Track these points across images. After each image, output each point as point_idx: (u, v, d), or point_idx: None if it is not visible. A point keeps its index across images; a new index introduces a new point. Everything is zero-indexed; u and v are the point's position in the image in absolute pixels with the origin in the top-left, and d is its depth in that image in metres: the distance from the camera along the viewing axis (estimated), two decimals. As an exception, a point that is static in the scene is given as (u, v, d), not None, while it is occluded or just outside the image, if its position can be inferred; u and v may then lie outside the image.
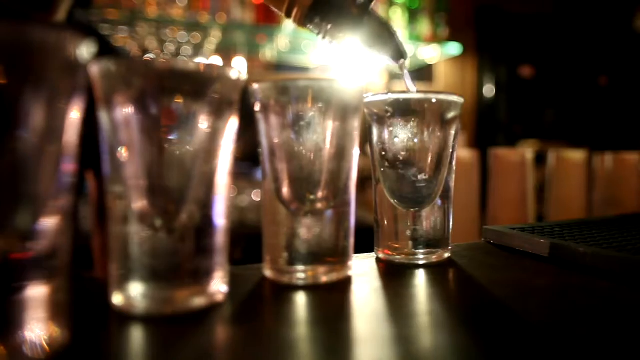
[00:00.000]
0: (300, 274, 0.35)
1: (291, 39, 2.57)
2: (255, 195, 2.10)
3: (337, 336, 0.27)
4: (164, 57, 2.38)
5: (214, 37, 2.46)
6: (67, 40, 0.24)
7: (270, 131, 0.35)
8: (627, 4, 3.49)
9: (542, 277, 0.39)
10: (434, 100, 0.40)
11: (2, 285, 0.21)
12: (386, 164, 0.42)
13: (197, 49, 2.50)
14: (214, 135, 0.31)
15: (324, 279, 0.35)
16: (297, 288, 0.34)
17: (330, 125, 0.35)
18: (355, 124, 0.37)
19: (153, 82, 0.29)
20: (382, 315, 0.30)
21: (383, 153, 0.42)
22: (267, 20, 2.50)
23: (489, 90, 3.34)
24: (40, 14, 0.98)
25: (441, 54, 2.88)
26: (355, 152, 0.37)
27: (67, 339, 0.24)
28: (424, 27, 2.79)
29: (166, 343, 0.26)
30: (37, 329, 0.22)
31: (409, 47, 2.76)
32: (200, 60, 2.42)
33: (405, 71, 0.49)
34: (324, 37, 0.48)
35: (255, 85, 0.36)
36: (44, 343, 0.23)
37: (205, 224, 0.31)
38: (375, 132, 0.42)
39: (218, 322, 0.29)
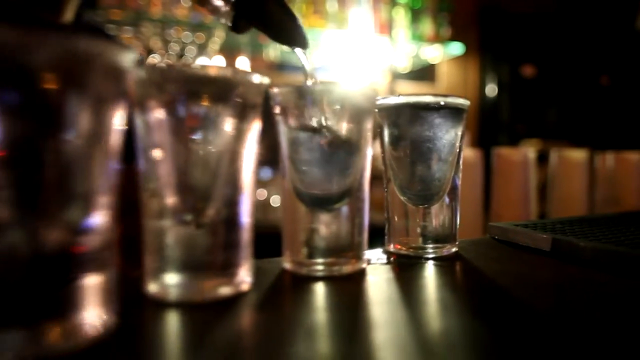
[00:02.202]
0: (319, 266, 0.37)
1: (295, 39, 2.60)
2: (260, 195, 2.12)
3: (354, 321, 0.30)
4: (170, 59, 2.41)
5: (218, 37, 2.49)
6: (114, 50, 0.26)
7: (288, 132, 0.38)
8: (629, 4, 3.51)
9: (544, 269, 0.42)
10: (442, 103, 0.43)
11: (61, 276, 0.24)
12: (397, 163, 0.44)
13: (201, 49, 2.53)
14: (238, 137, 0.33)
15: (341, 270, 0.38)
16: (316, 279, 0.37)
17: (345, 127, 0.38)
18: (368, 126, 0.39)
19: (183, 87, 0.31)
20: (396, 302, 0.33)
21: (394, 153, 0.44)
22: (270, 21, 2.52)
23: (491, 89, 3.36)
24: (49, 15, 1.00)
25: (444, 54, 2.90)
26: (369, 152, 0.40)
27: (118, 324, 0.27)
28: (427, 27, 2.82)
29: (197, 328, 0.28)
30: (91, 314, 0.25)
31: (411, 47, 2.78)
32: (203, 60, 2.45)
33: (306, 61, 0.46)
34: (222, 20, 0.46)
35: (275, 90, 0.38)
36: (97, 326, 0.25)
37: (231, 219, 0.33)
38: (386, 133, 0.45)
39: (244, 309, 0.32)
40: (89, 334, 0.25)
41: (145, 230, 0.33)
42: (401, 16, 2.76)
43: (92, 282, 0.25)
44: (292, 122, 0.38)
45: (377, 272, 0.40)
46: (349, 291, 0.35)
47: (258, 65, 2.90)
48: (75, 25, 1.03)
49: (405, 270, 0.41)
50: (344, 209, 0.38)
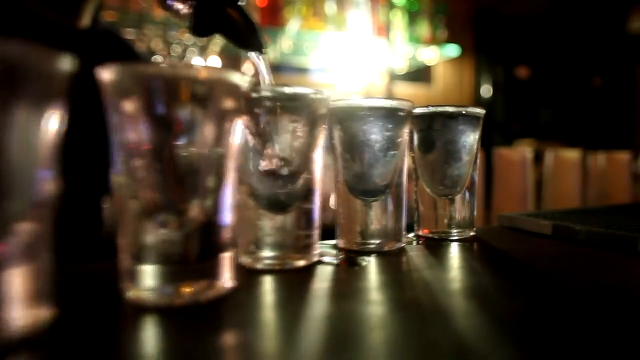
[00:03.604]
0: (372, 246, 0.48)
1: (294, 40, 2.70)
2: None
3: (412, 280, 0.40)
4: (171, 60, 2.49)
5: (219, 39, 2.57)
6: (239, 81, 0.36)
7: (342, 137, 0.48)
8: (620, 7, 3.66)
9: (547, 248, 0.53)
10: (464, 112, 0.53)
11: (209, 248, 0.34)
12: (426, 163, 0.55)
13: (203, 51, 2.61)
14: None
15: (391, 248, 0.49)
16: (370, 253, 0.47)
17: (384, 134, 0.48)
18: (406, 130, 0.50)
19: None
20: (435, 268, 0.43)
21: (423, 154, 0.55)
22: (271, 23, 2.62)
23: (486, 90, 3.48)
24: (66, 20, 1.07)
25: (440, 56, 3.01)
26: (406, 153, 0.50)
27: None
28: (424, 29, 2.92)
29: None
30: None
31: (408, 48, 2.89)
32: (198, 61, 2.53)
33: (263, 64, 0.49)
34: (183, 23, 0.48)
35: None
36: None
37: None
38: (416, 137, 0.55)
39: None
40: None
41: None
42: (398, 19, 2.87)
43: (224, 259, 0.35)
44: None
45: (413, 250, 0.50)
46: (397, 261, 0.46)
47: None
48: (92, 29, 1.11)
49: (435, 248, 0.51)
50: (389, 199, 0.49)
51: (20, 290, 0.27)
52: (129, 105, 0.32)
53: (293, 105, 0.41)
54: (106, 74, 0.32)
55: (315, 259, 0.44)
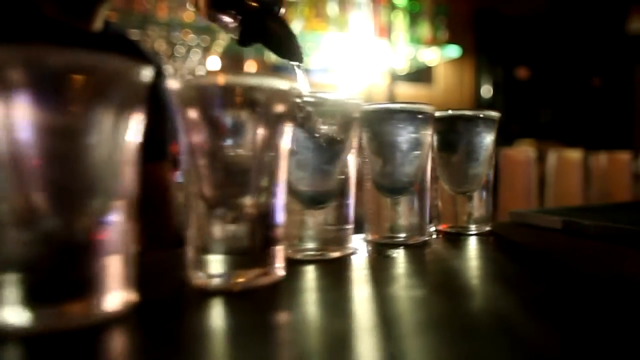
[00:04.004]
0: (399, 238, 0.53)
1: (297, 42, 2.73)
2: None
3: (440, 267, 0.44)
4: (176, 60, 2.53)
5: (223, 39, 2.61)
6: (289, 88, 0.40)
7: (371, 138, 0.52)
8: (619, 8, 3.72)
9: (558, 240, 0.58)
10: (481, 116, 0.58)
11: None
12: (445, 163, 0.60)
13: (206, 52, 2.64)
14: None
15: (416, 240, 0.53)
16: (398, 245, 0.52)
17: (410, 135, 0.52)
18: (429, 132, 0.54)
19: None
20: (458, 257, 0.48)
21: (443, 155, 0.60)
22: (274, 24, 2.65)
23: (486, 91, 3.54)
24: (80, 23, 1.11)
25: (441, 56, 3.06)
26: (429, 153, 0.55)
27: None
28: (425, 30, 2.97)
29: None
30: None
31: (410, 49, 2.94)
32: (200, 61, 2.56)
33: (301, 74, 0.52)
34: (230, 35, 0.52)
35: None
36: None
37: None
38: (436, 139, 0.60)
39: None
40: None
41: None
42: (400, 20, 2.91)
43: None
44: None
45: (436, 243, 0.55)
46: (423, 252, 0.50)
47: (260, 66, 3.04)
48: (104, 32, 1.15)
49: (456, 241, 0.56)
50: (413, 195, 0.53)
51: (114, 275, 0.31)
52: (192, 112, 0.36)
53: (330, 111, 0.46)
54: (173, 84, 0.36)
55: (350, 251, 0.48)
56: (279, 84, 0.37)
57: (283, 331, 0.30)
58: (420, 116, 0.52)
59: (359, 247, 0.51)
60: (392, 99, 2.74)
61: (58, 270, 0.29)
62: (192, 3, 0.51)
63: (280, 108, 0.38)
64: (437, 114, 0.57)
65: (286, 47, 0.50)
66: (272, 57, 2.84)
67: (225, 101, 0.36)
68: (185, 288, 0.37)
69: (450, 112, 0.58)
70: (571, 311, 0.32)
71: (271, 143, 0.38)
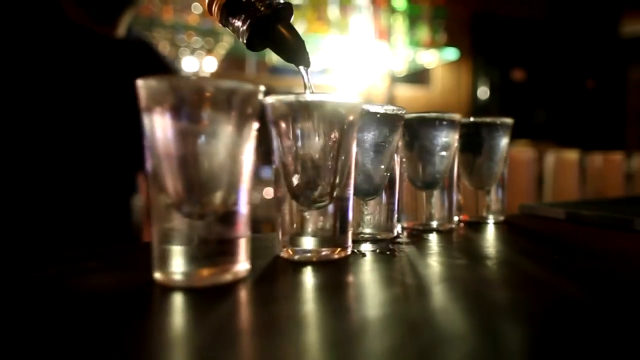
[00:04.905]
0: (432, 226, 0.65)
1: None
2: (266, 193, 2.38)
3: (469, 247, 0.56)
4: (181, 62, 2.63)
5: (226, 42, 2.72)
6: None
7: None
8: (613, 11, 3.89)
9: (562, 227, 0.71)
10: (499, 122, 0.71)
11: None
12: (466, 163, 0.72)
13: (210, 54, 2.75)
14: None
15: (444, 227, 0.65)
16: (430, 231, 0.64)
17: (441, 139, 0.65)
18: (456, 136, 0.66)
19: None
20: (484, 240, 0.60)
21: (464, 156, 0.72)
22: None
23: (483, 92, 3.68)
24: (105, 29, 1.21)
25: (439, 59, 3.19)
26: (456, 154, 0.67)
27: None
28: (423, 33, 3.09)
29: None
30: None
31: (409, 52, 3.06)
32: (191, 62, 2.65)
33: (307, 77, 0.54)
34: (241, 39, 0.53)
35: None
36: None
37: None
38: (461, 142, 0.72)
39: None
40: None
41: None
42: (399, 23, 3.03)
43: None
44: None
45: (462, 229, 0.68)
46: (451, 237, 0.62)
47: (261, 68, 3.15)
48: (127, 39, 1.25)
49: (476, 229, 0.69)
50: (438, 192, 0.65)
51: (242, 249, 0.42)
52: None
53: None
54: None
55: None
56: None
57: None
58: (450, 123, 0.64)
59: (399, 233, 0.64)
60: (391, 101, 2.87)
61: (210, 242, 0.39)
62: (206, 8, 0.52)
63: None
64: (461, 120, 0.70)
65: (295, 51, 0.52)
66: (272, 59, 2.96)
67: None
68: (276, 261, 0.49)
69: (472, 119, 0.71)
70: (575, 273, 0.45)
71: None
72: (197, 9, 2.64)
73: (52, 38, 1.11)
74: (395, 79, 3.12)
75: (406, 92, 3.39)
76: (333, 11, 2.86)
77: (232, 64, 2.98)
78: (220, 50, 2.76)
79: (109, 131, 1.13)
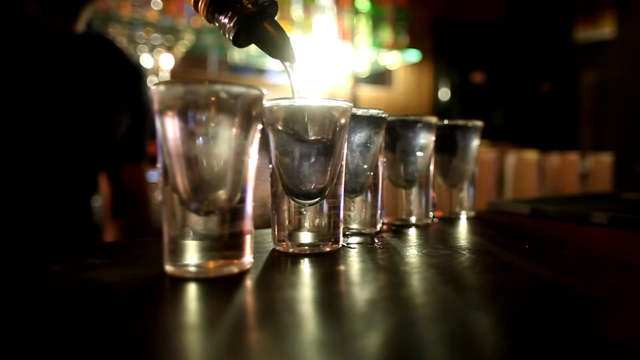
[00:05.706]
0: (410, 221, 0.71)
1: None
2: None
3: (452, 235, 0.63)
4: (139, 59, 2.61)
5: (187, 40, 2.72)
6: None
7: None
8: (566, 19, 4.12)
9: (527, 221, 0.79)
10: (471, 125, 0.77)
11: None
12: (442, 163, 0.79)
13: (170, 51, 2.74)
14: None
15: (424, 221, 0.72)
16: (409, 226, 0.70)
17: (420, 141, 0.71)
18: (433, 138, 0.73)
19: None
20: (458, 233, 0.67)
21: (443, 156, 0.79)
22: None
23: (444, 93, 3.82)
24: (64, 24, 1.21)
25: (401, 60, 3.29)
26: (432, 154, 0.73)
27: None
28: (386, 34, 3.18)
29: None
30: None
31: (371, 53, 3.15)
32: (148, 59, 2.63)
33: (293, 74, 0.55)
34: (227, 35, 0.54)
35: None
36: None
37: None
38: (435, 143, 0.79)
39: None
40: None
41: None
42: (362, 24, 3.11)
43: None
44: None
45: (436, 224, 0.74)
46: (428, 232, 0.69)
47: (222, 66, 3.16)
48: (87, 34, 1.25)
49: (450, 223, 0.75)
50: (416, 190, 0.72)
51: (247, 244, 0.46)
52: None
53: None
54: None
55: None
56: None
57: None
58: (428, 125, 0.70)
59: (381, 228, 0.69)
60: (354, 101, 2.94)
61: (222, 237, 0.44)
62: (192, 4, 0.53)
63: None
64: (437, 123, 0.76)
65: (281, 47, 0.54)
66: (234, 57, 2.98)
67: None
68: (274, 254, 0.53)
69: (446, 121, 0.78)
70: (544, 259, 0.52)
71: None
72: (157, 4, 2.63)
73: (12, 34, 1.10)
74: (358, 80, 3.20)
75: (369, 93, 3.48)
76: (297, 11, 2.91)
77: (193, 61, 2.98)
78: (180, 47, 2.76)
79: (70, 129, 1.12)
